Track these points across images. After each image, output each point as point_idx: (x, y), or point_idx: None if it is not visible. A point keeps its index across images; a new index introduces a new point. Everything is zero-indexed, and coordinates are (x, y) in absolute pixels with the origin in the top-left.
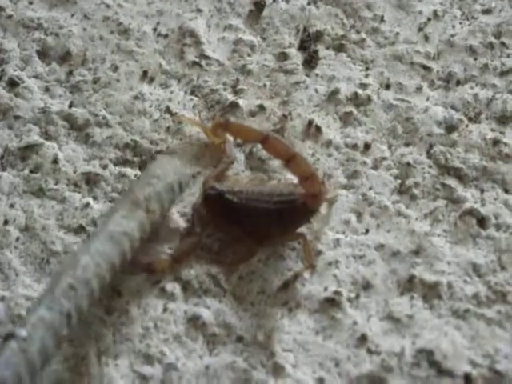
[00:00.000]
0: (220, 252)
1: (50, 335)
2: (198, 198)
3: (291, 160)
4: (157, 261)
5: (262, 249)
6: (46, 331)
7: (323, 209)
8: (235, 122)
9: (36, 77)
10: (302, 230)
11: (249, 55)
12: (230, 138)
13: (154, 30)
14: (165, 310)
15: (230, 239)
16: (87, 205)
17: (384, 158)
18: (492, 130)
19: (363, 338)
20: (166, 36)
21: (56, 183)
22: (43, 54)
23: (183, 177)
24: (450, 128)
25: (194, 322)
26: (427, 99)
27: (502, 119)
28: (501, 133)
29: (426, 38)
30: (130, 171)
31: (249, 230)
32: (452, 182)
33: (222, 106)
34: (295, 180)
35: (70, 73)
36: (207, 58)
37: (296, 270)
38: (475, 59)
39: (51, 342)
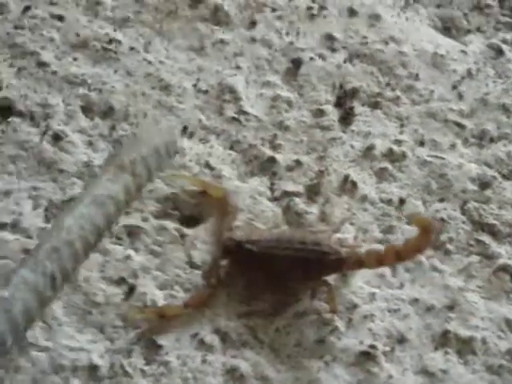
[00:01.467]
0: (250, 303)
1: (34, 296)
2: (216, 251)
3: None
4: (167, 307)
5: (298, 301)
6: (29, 292)
7: None
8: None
9: (80, 131)
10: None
11: (286, 111)
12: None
13: (194, 86)
14: (203, 361)
15: (255, 288)
16: (128, 257)
17: (418, 214)
18: None
19: None
20: (205, 92)
21: None
22: (87, 110)
23: (170, 142)
24: (484, 185)
25: (232, 373)
26: (461, 156)
27: None
28: None
29: (460, 96)
30: (169, 224)
31: (272, 278)
32: (486, 238)
33: (259, 160)
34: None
35: (113, 127)
36: (246, 113)
37: (315, 309)
38: (508, 117)
39: (35, 303)
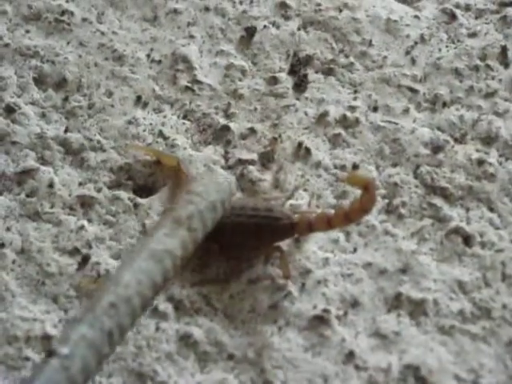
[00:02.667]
0: (203, 270)
1: (92, 353)
2: None
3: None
4: None
5: (251, 268)
6: (87, 349)
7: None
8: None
9: (32, 103)
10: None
11: (240, 80)
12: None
13: (148, 56)
14: (157, 329)
15: (209, 256)
16: (82, 227)
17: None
18: (477, 150)
19: (351, 355)
20: (159, 62)
21: (51, 207)
22: (39, 81)
23: (225, 195)
24: (437, 149)
25: (186, 340)
26: (414, 121)
27: (487, 140)
28: (486, 153)
29: (413, 62)
30: (123, 194)
31: (226, 246)
32: (438, 201)
33: (213, 129)
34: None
35: (66, 99)
36: (199, 82)
37: (268, 275)
38: (461, 81)
39: (93, 360)
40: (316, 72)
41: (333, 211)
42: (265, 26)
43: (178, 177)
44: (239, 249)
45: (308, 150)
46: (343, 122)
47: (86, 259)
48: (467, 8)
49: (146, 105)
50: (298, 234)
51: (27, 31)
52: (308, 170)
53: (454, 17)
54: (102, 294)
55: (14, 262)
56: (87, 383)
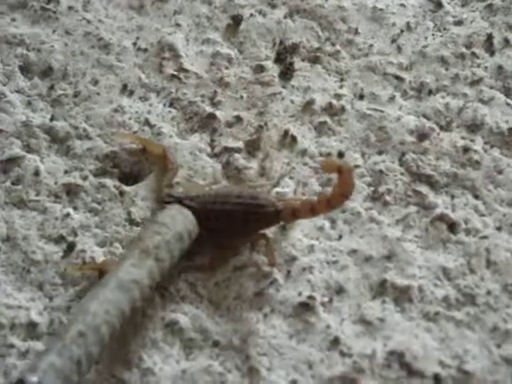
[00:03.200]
0: (189, 258)
1: (61, 381)
2: (156, 206)
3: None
4: (105, 262)
5: (237, 255)
6: (56, 378)
7: None
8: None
9: (18, 91)
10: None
11: (226, 68)
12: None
13: (134, 44)
14: (143, 315)
15: (195, 243)
16: (68, 215)
17: (357, 166)
18: (462, 137)
19: (336, 341)
20: (145, 50)
21: (37, 194)
22: (25, 69)
23: (192, 225)
24: (422, 136)
25: (172, 327)
26: (400, 108)
27: (472, 127)
28: (471, 140)
29: (399, 50)
30: (109, 182)
31: (211, 233)
32: (423, 188)
33: (200, 117)
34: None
35: (52, 87)
36: (186, 71)
37: (253, 262)
38: (446, 69)
39: None
40: (302, 60)
41: (315, 198)
42: (251, 15)
43: (163, 165)
44: (225, 236)
45: (294, 138)
46: (329, 109)
47: (71, 247)
48: None
49: (131, 93)
50: (283, 221)
51: (13, 19)
52: (294, 157)
53: (439, 5)
54: (71, 323)
55: None
56: None
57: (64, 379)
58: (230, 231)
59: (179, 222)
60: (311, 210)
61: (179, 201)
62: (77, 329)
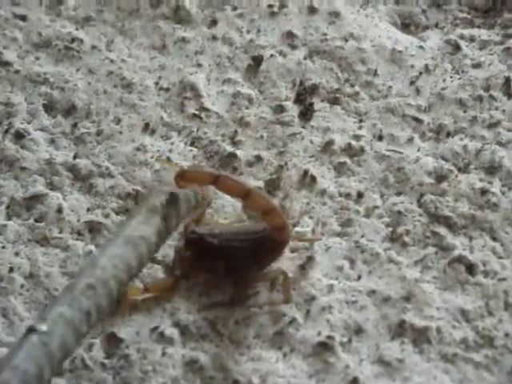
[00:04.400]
0: (210, 295)
1: (71, 331)
2: (180, 242)
3: (247, 197)
4: (129, 287)
5: (257, 294)
6: (66, 327)
7: (318, 255)
8: (189, 169)
9: (42, 129)
10: (285, 268)
11: (247, 108)
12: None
13: (156, 83)
14: (163, 354)
15: (216, 281)
16: (90, 252)
17: (376, 207)
18: (480, 179)
19: (355, 381)
20: (167, 90)
21: (60, 232)
22: (49, 108)
23: (197, 193)
24: (440, 178)
25: (192, 365)
26: (418, 150)
27: (490, 169)
28: (489, 183)
29: (418, 92)
30: None
31: (230, 270)
32: (442, 230)
33: (220, 156)
34: None
35: (75, 125)
36: (207, 110)
37: (270, 300)
38: (465, 112)
39: (71, 338)
40: (322, 101)
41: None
42: (271, 55)
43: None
44: (244, 273)
45: (313, 178)
46: (348, 150)
47: None
48: (471, 39)
49: (153, 132)
50: (282, 239)
51: (37, 58)
52: (313, 197)
53: (458, 48)
54: (80, 277)
55: (22, 286)
56: (65, 360)
57: (73, 329)
58: (246, 267)
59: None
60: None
61: (201, 238)
62: (86, 282)
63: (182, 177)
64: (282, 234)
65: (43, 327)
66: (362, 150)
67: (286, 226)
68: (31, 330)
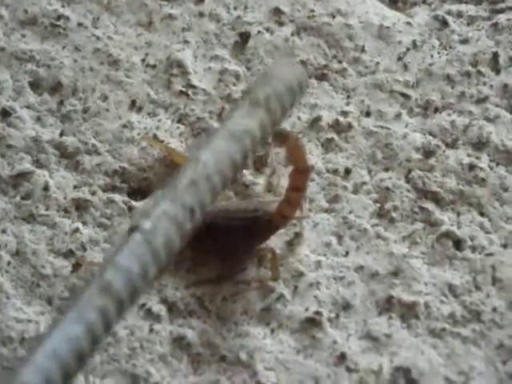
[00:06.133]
0: (197, 272)
1: (174, 228)
2: None
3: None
4: None
5: (244, 270)
6: (169, 224)
7: (306, 232)
8: (296, 142)
9: (28, 107)
10: (273, 245)
11: (234, 84)
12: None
13: (143, 60)
14: (151, 330)
15: (203, 258)
16: (77, 230)
17: (364, 183)
18: (468, 155)
19: (342, 357)
20: (154, 66)
21: (46, 209)
22: (35, 85)
23: (303, 78)
24: (428, 153)
25: (179, 342)
26: (406, 126)
27: (478, 145)
28: (477, 158)
29: (406, 67)
30: (118, 197)
31: (218, 248)
32: (429, 205)
33: (207, 133)
34: (264, 197)
35: (61, 103)
36: (194, 87)
37: (259, 277)
38: (452, 87)
39: (175, 236)
40: (309, 77)
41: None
42: (259, 32)
43: None
44: (232, 250)
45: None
46: (336, 126)
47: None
48: (459, 15)
49: (140, 109)
50: (278, 225)
51: (23, 35)
52: None
53: (445, 23)
54: (182, 173)
55: (8, 263)
56: (171, 257)
57: (177, 226)
58: (236, 245)
59: (288, 74)
60: (291, 204)
61: None
62: (188, 177)
63: (284, 141)
64: (284, 222)
65: (147, 224)
66: (350, 126)
67: (292, 218)
68: (134, 228)
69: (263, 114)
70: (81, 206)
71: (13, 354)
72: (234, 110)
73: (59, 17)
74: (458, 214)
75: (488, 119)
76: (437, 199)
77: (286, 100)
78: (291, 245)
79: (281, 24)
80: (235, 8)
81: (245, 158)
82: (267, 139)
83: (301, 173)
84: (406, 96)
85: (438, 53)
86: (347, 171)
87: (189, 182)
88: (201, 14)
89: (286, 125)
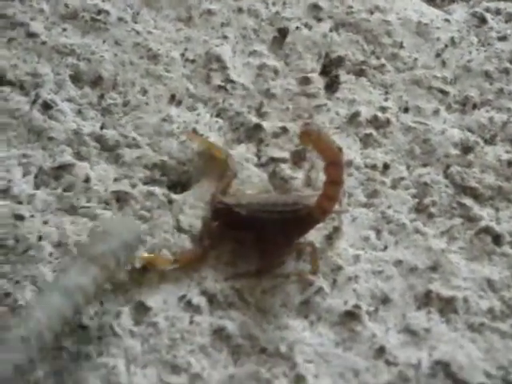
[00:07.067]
0: (237, 265)
1: None
2: (207, 213)
3: (336, 170)
4: (160, 258)
5: (283, 264)
6: None
7: (344, 226)
8: (324, 136)
9: (69, 100)
10: (312, 239)
11: (272, 79)
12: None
13: (182, 55)
14: (191, 322)
15: (242, 251)
16: None
17: (402, 178)
18: (507, 151)
19: (381, 350)
20: (193, 61)
21: (88, 201)
22: (76, 79)
23: (137, 234)
24: (466, 149)
25: (219, 333)
26: (444, 122)
27: None
28: None
29: (444, 64)
30: (158, 190)
31: (258, 241)
32: (468, 201)
33: (246, 127)
34: (303, 192)
35: (102, 96)
36: (232, 82)
37: (297, 271)
38: (491, 84)
39: None
40: (347, 73)
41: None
42: (297, 27)
43: (222, 170)
44: (271, 244)
45: (340, 149)
46: (374, 122)
47: None
48: (497, 12)
49: (179, 103)
50: (319, 220)
51: (64, 29)
52: None
53: (484, 20)
54: (14, 327)
55: (50, 254)
56: None
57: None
58: (275, 239)
59: (125, 230)
60: (330, 198)
61: (229, 208)
62: (19, 334)
63: (309, 135)
64: (324, 216)
65: None
66: (388, 121)
67: (331, 212)
68: None
69: (97, 270)
70: (121, 199)
71: (55, 344)
72: (69, 265)
73: (99, 11)
74: (497, 209)
75: None
76: (475, 195)
77: (122, 255)
78: (330, 239)
79: (319, 20)
80: (274, 4)
81: (76, 312)
82: (100, 293)
83: (334, 166)
84: (444, 92)
85: (477, 49)
86: (386, 166)
87: (19, 339)
88: (240, 10)
89: (323, 119)
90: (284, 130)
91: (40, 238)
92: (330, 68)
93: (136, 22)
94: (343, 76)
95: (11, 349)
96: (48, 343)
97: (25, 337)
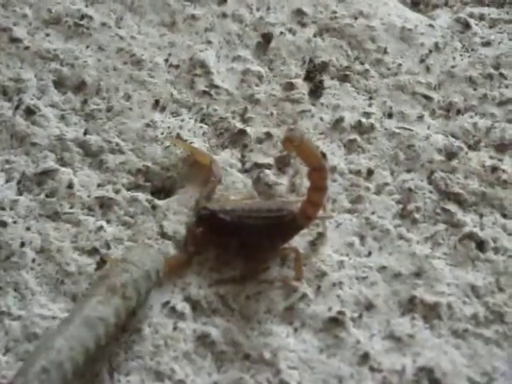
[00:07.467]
0: (221, 271)
1: None
2: (191, 218)
3: (319, 175)
4: None
5: (267, 269)
6: None
7: (328, 232)
8: (307, 142)
9: (52, 105)
10: (297, 245)
11: (256, 85)
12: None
13: (166, 60)
14: (175, 328)
15: (227, 257)
16: (101, 228)
17: (386, 184)
18: (491, 157)
19: (366, 357)
20: (177, 67)
21: (71, 207)
22: (59, 84)
23: (159, 264)
24: (450, 155)
25: (203, 340)
26: (428, 127)
27: (500, 147)
28: (499, 160)
29: (428, 69)
30: (141, 196)
31: (242, 246)
32: (452, 206)
33: (230, 133)
34: (287, 198)
35: (85, 102)
36: (217, 87)
37: (281, 277)
38: (475, 89)
39: None
40: (332, 78)
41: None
42: (281, 33)
43: (206, 176)
44: (255, 249)
45: (323, 155)
46: (358, 127)
47: (104, 259)
48: (481, 17)
49: (163, 108)
50: (302, 225)
51: (47, 35)
52: None
53: (467, 26)
54: (34, 358)
55: (33, 260)
56: None
57: None
58: (259, 245)
59: (147, 260)
60: (314, 204)
61: (213, 214)
62: (40, 364)
63: (292, 141)
64: (308, 222)
65: None
66: (372, 127)
67: (315, 219)
68: None
69: (119, 301)
70: (105, 204)
71: None
72: (91, 295)
73: (83, 16)
74: (481, 215)
75: (510, 121)
76: (459, 201)
77: (143, 287)
78: (314, 245)
79: (303, 25)
80: (258, 9)
81: (98, 344)
82: (122, 324)
83: (317, 172)
84: (428, 98)
85: (461, 55)
86: (370, 172)
87: (40, 369)
88: (224, 15)
89: (307, 125)
90: (268, 135)
91: (23, 244)
92: (314, 73)
93: (119, 27)
94: (327, 81)
95: (32, 379)
96: (69, 373)
97: (46, 367)
